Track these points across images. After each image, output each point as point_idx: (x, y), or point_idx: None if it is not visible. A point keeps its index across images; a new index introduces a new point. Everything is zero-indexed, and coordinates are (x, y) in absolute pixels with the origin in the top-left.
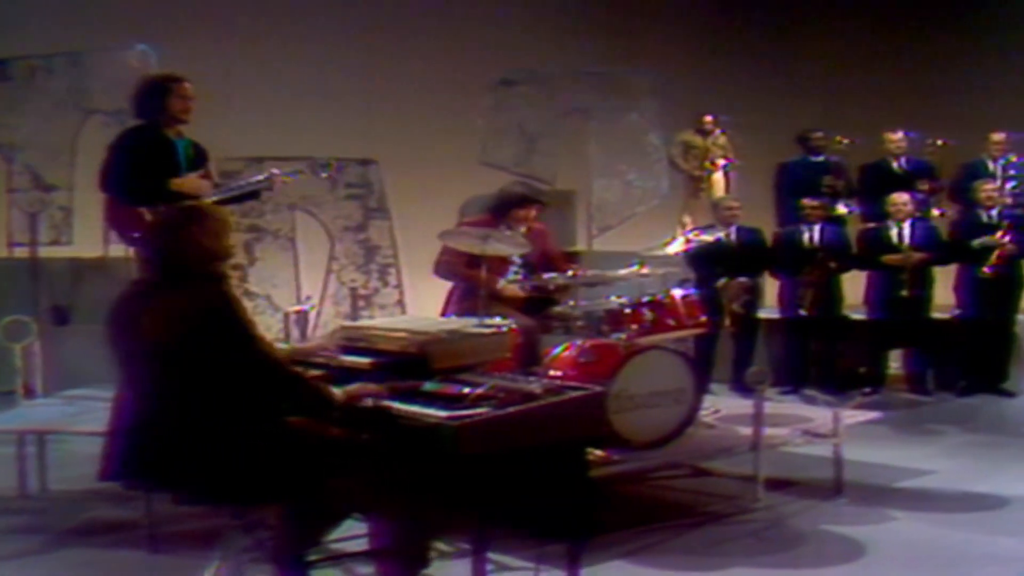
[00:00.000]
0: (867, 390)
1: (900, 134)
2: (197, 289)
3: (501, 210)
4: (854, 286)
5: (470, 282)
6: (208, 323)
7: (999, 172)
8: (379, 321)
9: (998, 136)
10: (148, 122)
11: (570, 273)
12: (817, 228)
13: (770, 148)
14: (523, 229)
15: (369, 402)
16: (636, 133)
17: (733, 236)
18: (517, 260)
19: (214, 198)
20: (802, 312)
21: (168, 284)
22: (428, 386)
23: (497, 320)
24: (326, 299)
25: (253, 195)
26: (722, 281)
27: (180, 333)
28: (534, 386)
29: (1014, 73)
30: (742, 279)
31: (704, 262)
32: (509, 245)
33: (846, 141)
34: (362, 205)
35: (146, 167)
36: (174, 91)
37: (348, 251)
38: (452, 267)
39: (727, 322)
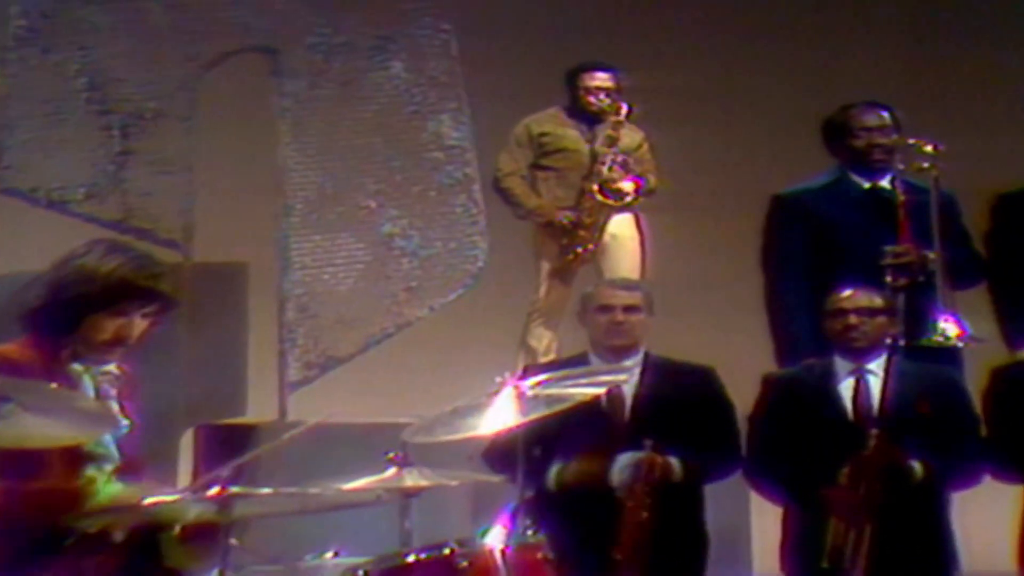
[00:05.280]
0: None
1: None
2: None
3: (61, 317)
4: (994, 521)
5: None
6: None
7: None
8: None
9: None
10: None
11: (215, 491)
12: (877, 366)
13: (748, 155)
14: (113, 366)
15: None
16: (403, 115)
17: (634, 381)
18: (109, 445)
19: None
20: None
21: None
22: None
23: None
24: None
25: None
26: None
27: None
28: None
29: None
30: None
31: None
32: (78, 418)
33: (930, 148)
34: None
35: None
36: None
37: None
38: None
39: None
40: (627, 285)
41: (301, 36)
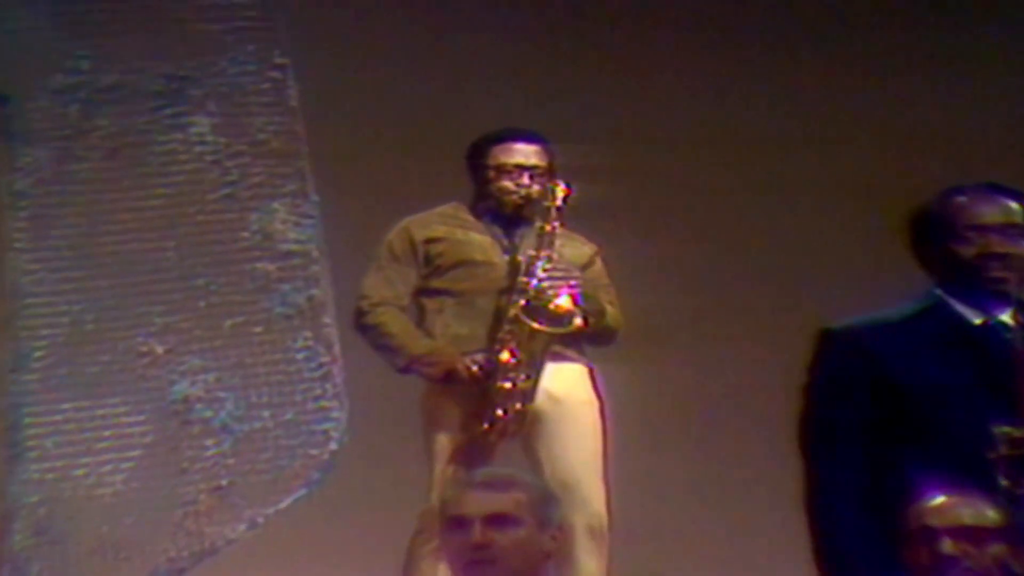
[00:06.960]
0: None
1: None
2: None
3: None
4: None
5: None
6: None
7: None
8: None
9: None
10: None
11: None
12: None
13: (763, 268)
14: None
15: None
16: (210, 202)
17: None
18: None
19: None
20: None
21: None
22: None
23: None
24: None
25: None
26: None
27: None
28: None
29: None
30: None
31: None
32: None
33: None
34: None
35: None
36: None
37: None
38: None
39: None
40: (496, 481)
41: (45, 73)
